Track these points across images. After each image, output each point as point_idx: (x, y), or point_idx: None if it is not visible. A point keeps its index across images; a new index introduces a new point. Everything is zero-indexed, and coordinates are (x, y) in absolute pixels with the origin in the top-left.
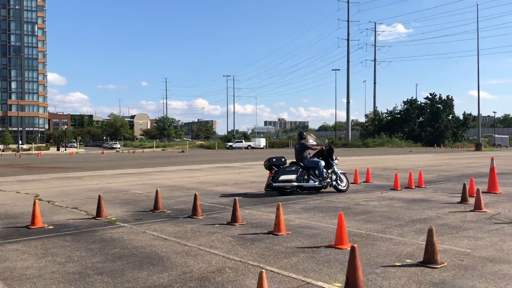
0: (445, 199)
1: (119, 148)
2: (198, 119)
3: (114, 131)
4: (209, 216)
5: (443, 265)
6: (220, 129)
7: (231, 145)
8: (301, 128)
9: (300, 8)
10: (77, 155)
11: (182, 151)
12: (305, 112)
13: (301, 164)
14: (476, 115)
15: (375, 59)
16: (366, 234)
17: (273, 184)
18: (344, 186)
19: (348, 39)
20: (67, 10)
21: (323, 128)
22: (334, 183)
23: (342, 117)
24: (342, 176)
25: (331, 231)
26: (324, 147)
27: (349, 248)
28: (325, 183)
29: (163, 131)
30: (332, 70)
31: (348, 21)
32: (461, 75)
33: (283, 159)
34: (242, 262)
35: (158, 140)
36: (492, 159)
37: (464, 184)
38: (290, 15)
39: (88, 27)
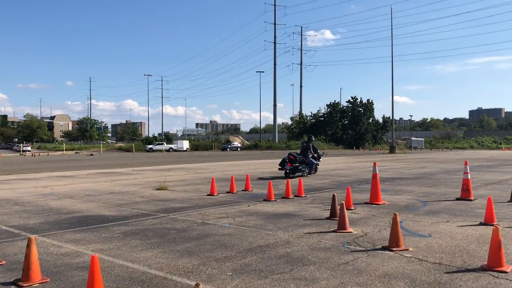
0: (315, 213)
1: (22, 151)
2: (126, 121)
3: (30, 132)
4: None
5: None
6: (151, 131)
7: (151, 148)
8: (233, 131)
9: (227, 9)
10: None
11: (91, 154)
12: (238, 115)
13: (304, 158)
14: (395, 118)
15: (301, 62)
16: (162, 277)
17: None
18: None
19: (275, 42)
20: None
21: (254, 131)
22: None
23: (272, 119)
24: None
25: (117, 273)
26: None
27: None
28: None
29: (85, 132)
30: (257, 72)
31: (274, 24)
32: (384, 80)
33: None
34: None
35: (79, 142)
36: (374, 164)
37: (334, 196)
38: (218, 16)
39: (8, 22)
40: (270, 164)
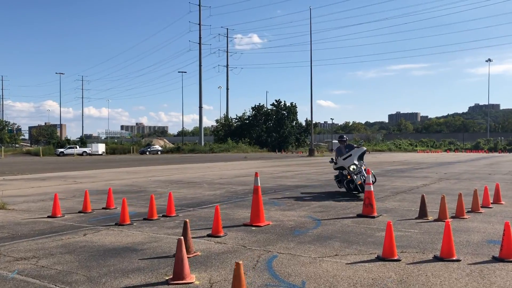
0: (166, 246)
1: None
2: (45, 123)
3: None
4: None
5: None
6: (74, 133)
7: (62, 152)
8: (160, 133)
9: (149, 7)
10: None
11: None
12: (166, 117)
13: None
14: (320, 122)
15: (227, 64)
16: None
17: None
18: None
19: (200, 43)
20: None
21: (183, 133)
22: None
23: (203, 122)
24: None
25: None
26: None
27: None
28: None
29: None
30: (179, 72)
31: (200, 24)
32: (309, 84)
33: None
34: None
35: None
36: (256, 174)
37: (186, 223)
38: (139, 15)
39: None
40: (174, 171)
